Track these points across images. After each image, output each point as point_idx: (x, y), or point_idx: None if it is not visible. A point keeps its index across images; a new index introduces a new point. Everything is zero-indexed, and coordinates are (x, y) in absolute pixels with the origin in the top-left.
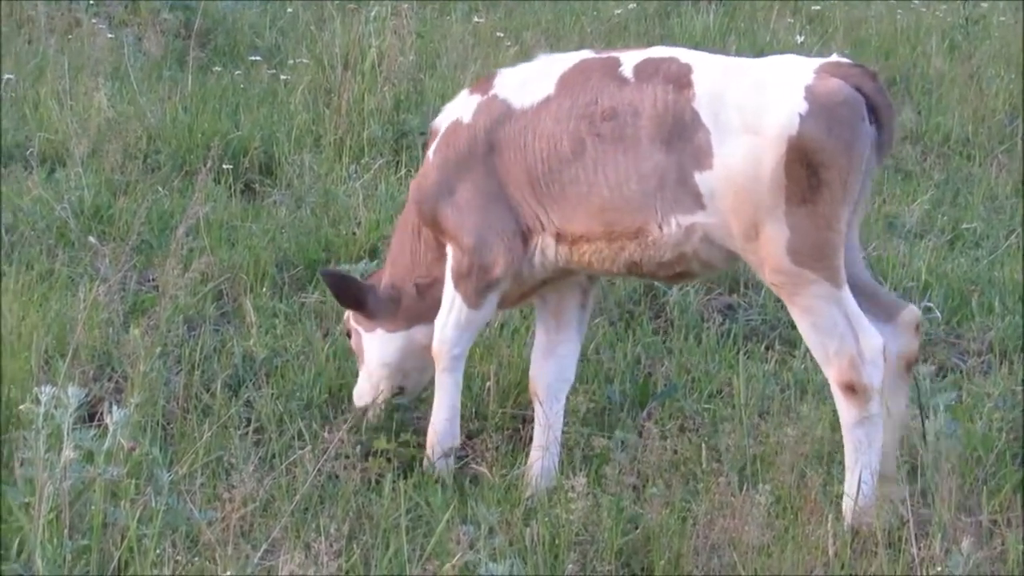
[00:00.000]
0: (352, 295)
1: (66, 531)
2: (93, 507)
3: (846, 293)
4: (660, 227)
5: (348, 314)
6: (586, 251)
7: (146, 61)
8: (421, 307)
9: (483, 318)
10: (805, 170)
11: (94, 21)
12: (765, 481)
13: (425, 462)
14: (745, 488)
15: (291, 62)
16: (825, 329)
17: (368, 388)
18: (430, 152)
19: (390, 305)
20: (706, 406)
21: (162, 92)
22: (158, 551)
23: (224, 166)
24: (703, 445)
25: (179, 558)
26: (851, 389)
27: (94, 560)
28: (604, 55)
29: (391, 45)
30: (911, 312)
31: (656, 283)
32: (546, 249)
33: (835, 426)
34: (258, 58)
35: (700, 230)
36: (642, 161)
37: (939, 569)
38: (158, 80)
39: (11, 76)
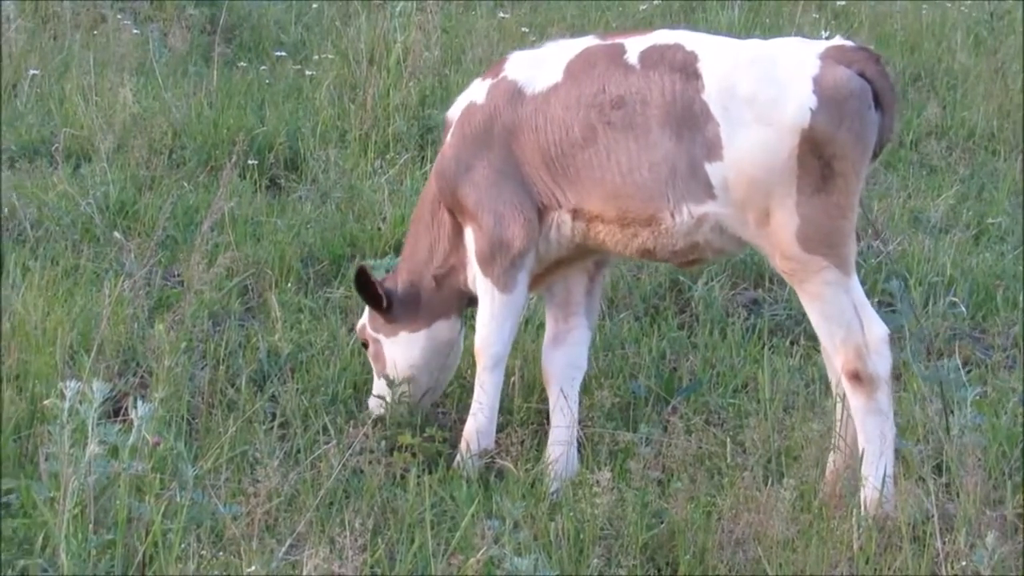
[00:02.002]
0: (379, 295)
1: (91, 526)
2: (118, 502)
3: (855, 281)
4: (672, 216)
5: (363, 324)
6: (601, 231)
7: (171, 57)
8: (440, 300)
9: (517, 303)
10: (818, 161)
11: (119, 17)
12: (790, 476)
13: (457, 459)
14: (770, 483)
15: (316, 58)
16: (833, 317)
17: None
18: (448, 137)
19: (410, 305)
20: (731, 401)
21: (187, 88)
22: (183, 546)
23: (249, 161)
24: (728, 440)
25: (204, 553)
26: (857, 378)
27: (119, 555)
28: (608, 41)
29: (416, 40)
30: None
31: (682, 277)
32: (562, 225)
33: None
34: (283, 54)
35: (712, 219)
36: (652, 150)
37: (964, 564)
38: (183, 76)
39: (36, 72)
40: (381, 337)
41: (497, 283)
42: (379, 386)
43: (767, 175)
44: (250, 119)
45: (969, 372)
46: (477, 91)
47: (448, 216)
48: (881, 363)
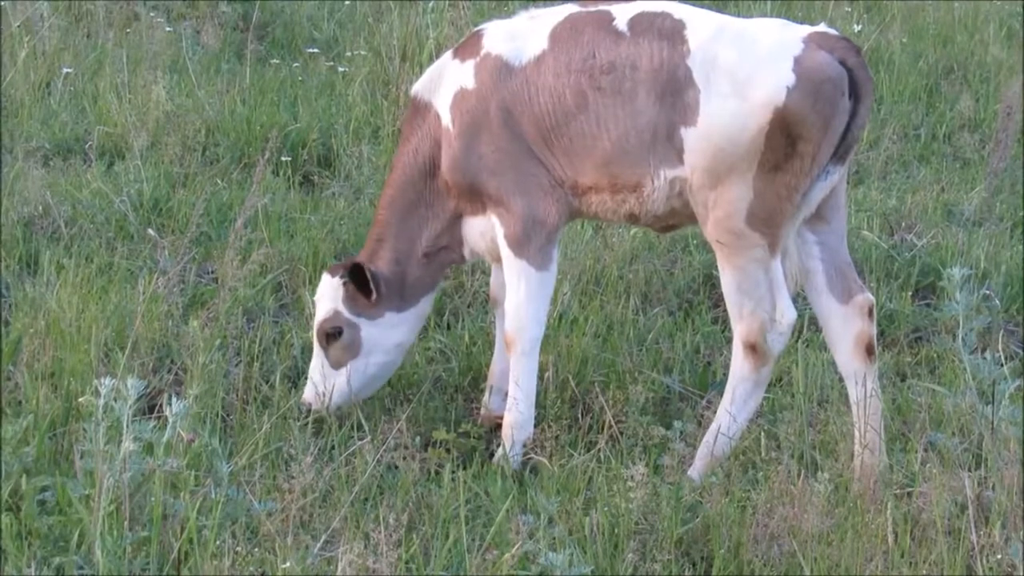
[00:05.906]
0: (378, 281)
1: (126, 523)
2: (153, 499)
3: (777, 263)
4: (652, 180)
5: (332, 312)
6: (593, 202)
7: (204, 54)
8: (428, 275)
9: (551, 281)
10: (784, 139)
11: (152, 15)
12: (824, 469)
13: (499, 452)
14: (804, 476)
15: (349, 54)
16: (747, 290)
17: (366, 377)
18: (447, 124)
19: (395, 285)
20: (765, 395)
21: (220, 85)
22: (218, 542)
23: (282, 158)
24: (762, 434)
25: (239, 549)
26: (753, 349)
27: (154, 552)
28: (593, 9)
29: (448, 36)
30: (866, 298)
31: (715, 272)
32: (571, 200)
33: (894, 414)
34: (316, 50)
35: (678, 184)
36: (639, 115)
37: (999, 557)
38: (216, 73)
39: (70, 70)
40: (362, 321)
41: (533, 262)
42: (354, 369)
43: (734, 147)
44: (283, 116)
45: (1003, 366)
46: (461, 74)
47: (451, 202)
48: (779, 343)
